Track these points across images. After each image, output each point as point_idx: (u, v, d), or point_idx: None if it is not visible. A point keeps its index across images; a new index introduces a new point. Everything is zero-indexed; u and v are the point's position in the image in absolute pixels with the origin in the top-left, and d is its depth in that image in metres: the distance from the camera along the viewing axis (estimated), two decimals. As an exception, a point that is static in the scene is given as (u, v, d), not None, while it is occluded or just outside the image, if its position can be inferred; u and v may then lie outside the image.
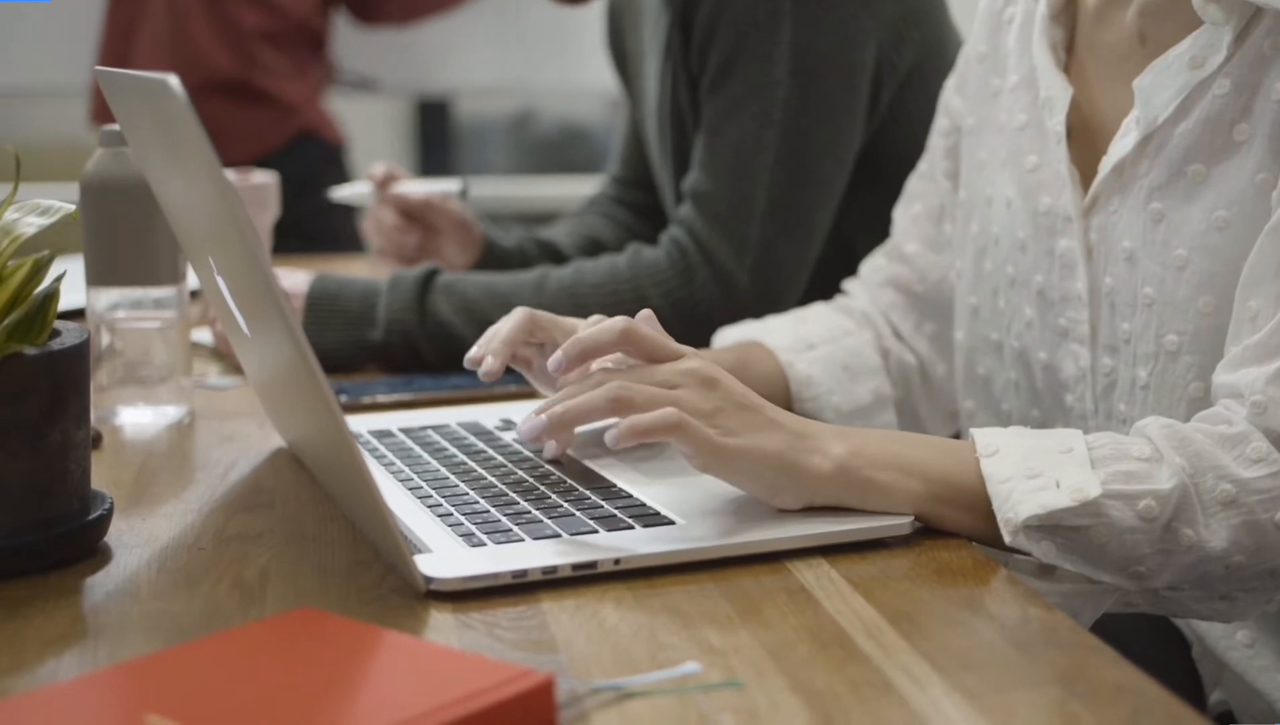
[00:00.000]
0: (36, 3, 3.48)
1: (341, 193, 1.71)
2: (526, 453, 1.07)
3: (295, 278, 1.41)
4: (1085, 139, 1.09)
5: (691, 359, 0.93)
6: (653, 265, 1.43)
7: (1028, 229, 1.12)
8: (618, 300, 1.40)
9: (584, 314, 1.33)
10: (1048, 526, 0.88)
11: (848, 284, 1.35)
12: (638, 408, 0.89)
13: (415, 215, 1.68)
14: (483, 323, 1.35)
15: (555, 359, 0.94)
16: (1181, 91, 1.00)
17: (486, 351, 1.06)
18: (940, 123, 1.28)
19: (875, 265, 1.32)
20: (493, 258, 1.66)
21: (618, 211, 1.78)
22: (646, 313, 1.01)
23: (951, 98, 1.26)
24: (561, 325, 1.08)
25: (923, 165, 1.30)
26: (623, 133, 1.82)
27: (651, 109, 1.60)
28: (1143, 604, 0.94)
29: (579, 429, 0.98)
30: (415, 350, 1.37)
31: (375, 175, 1.69)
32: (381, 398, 1.27)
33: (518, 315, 1.08)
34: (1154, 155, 1.02)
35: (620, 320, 0.94)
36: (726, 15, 1.42)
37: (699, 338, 1.31)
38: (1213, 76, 0.99)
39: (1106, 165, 1.05)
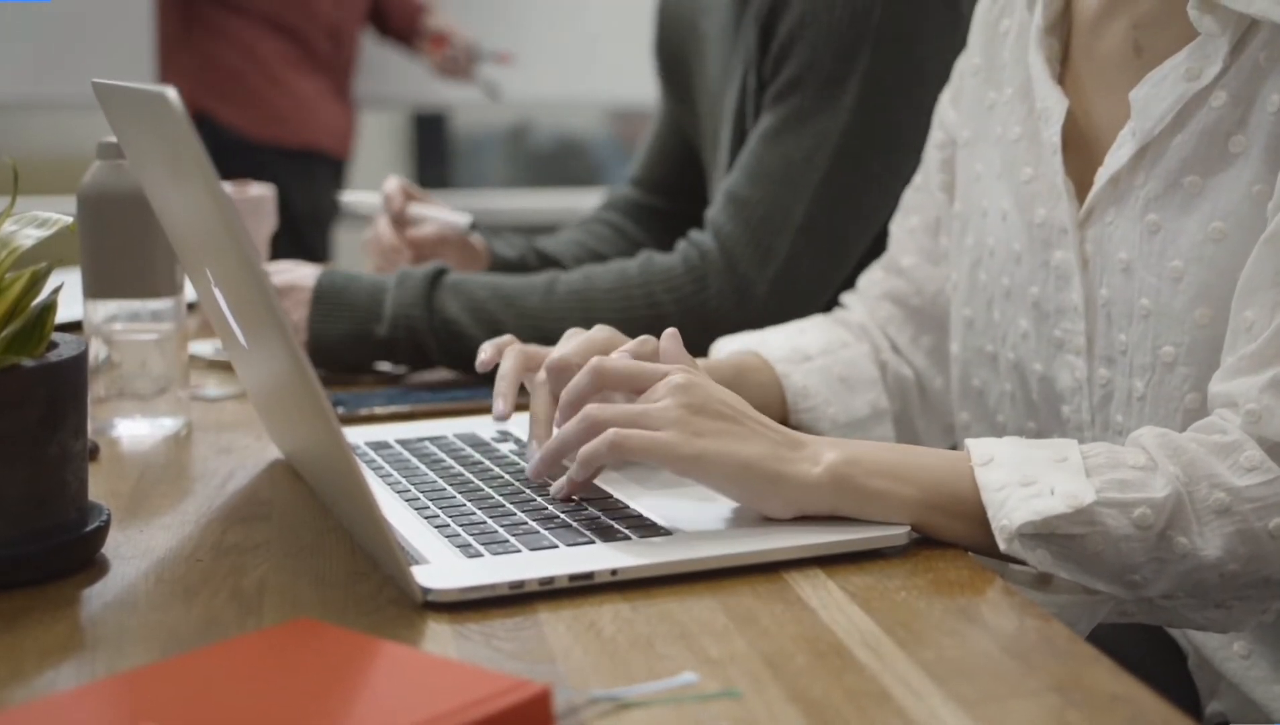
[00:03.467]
0: (37, 2, 3.48)
1: (351, 199, 1.67)
2: (523, 463, 1.07)
3: (302, 271, 1.41)
4: (1081, 150, 1.09)
5: (676, 373, 0.94)
6: (666, 270, 1.42)
7: (1023, 241, 1.13)
8: (628, 305, 1.39)
9: (594, 318, 1.33)
10: (1043, 534, 0.88)
11: (845, 297, 1.35)
12: (607, 427, 0.91)
13: (421, 245, 1.63)
14: (489, 322, 1.35)
15: (556, 419, 0.97)
16: (1178, 103, 1.00)
17: (497, 395, 1.08)
18: (935, 135, 1.28)
19: (872, 278, 1.32)
20: (495, 270, 1.64)
21: (626, 223, 1.76)
22: (671, 332, 1.01)
23: (946, 110, 1.27)
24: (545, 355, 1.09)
25: (918, 178, 1.30)
26: (650, 135, 1.79)
27: (715, 110, 1.58)
28: (1138, 613, 0.94)
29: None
30: (421, 346, 1.37)
31: (390, 191, 1.64)
32: (379, 409, 1.27)
33: (511, 356, 1.09)
34: (1150, 166, 1.02)
35: (594, 362, 0.96)
36: (808, 34, 1.41)
37: (709, 343, 1.31)
38: (1209, 88, 0.99)
39: (1102, 177, 1.05)
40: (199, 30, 3.07)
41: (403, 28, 3.42)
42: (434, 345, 1.36)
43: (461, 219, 1.61)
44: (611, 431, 0.90)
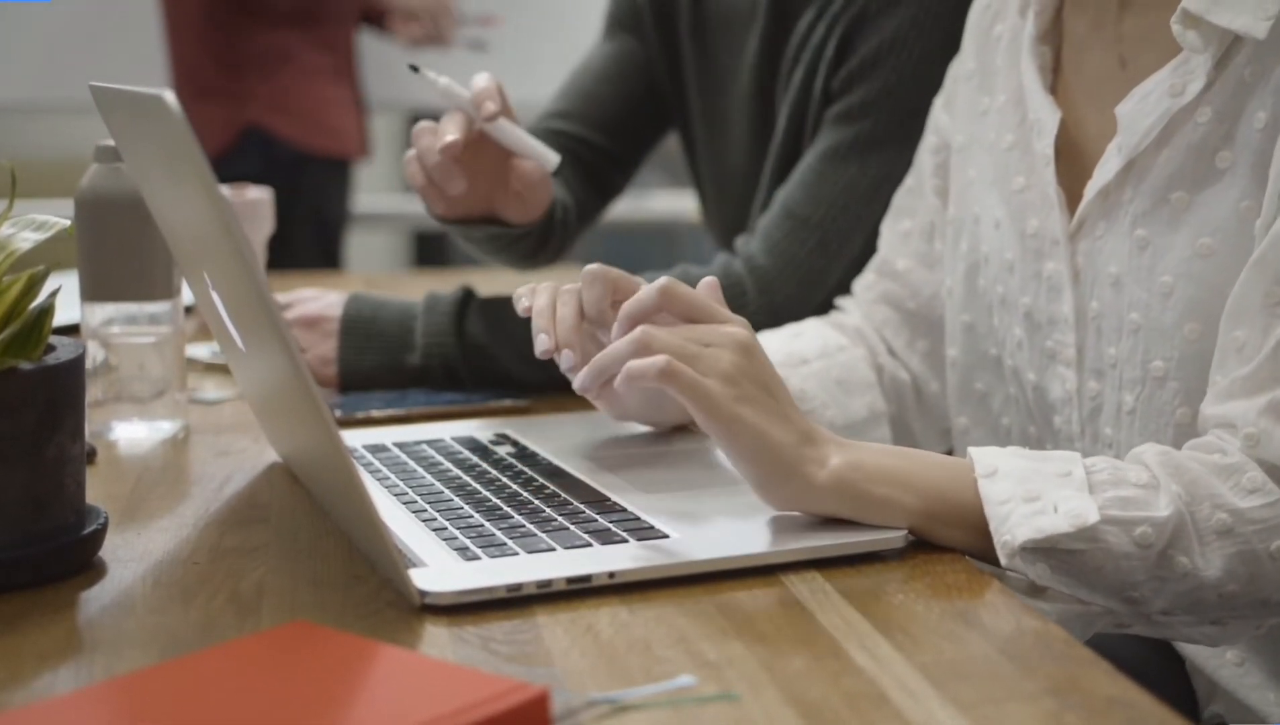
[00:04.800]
0: (37, 3, 3.48)
1: (442, 81, 1.32)
2: (520, 467, 1.07)
3: (329, 299, 1.39)
4: (1072, 161, 1.09)
5: (735, 325, 0.93)
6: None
7: (1015, 250, 1.12)
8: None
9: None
10: (1044, 549, 0.88)
11: (841, 300, 1.35)
12: (656, 353, 0.90)
13: (495, 156, 1.35)
14: (521, 345, 1.33)
15: (614, 333, 0.96)
16: (1163, 119, 1.00)
17: (538, 331, 1.03)
18: (929, 140, 1.28)
19: (866, 282, 1.32)
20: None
21: (565, 157, 1.59)
22: (710, 280, 1.00)
23: (940, 115, 1.27)
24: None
25: (910, 181, 1.30)
26: (600, 73, 1.68)
27: (718, 82, 1.55)
28: (1135, 626, 0.94)
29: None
30: (453, 373, 1.35)
31: (488, 94, 1.30)
32: (376, 412, 1.27)
33: (545, 292, 1.04)
34: (1137, 182, 1.02)
35: (663, 280, 0.95)
36: (894, 58, 1.39)
37: None
38: (1193, 104, 0.99)
39: (1091, 190, 1.05)
40: (242, 43, 3.07)
41: (371, 8, 3.41)
42: (466, 371, 1.35)
43: (553, 157, 1.35)
44: (664, 358, 0.88)
